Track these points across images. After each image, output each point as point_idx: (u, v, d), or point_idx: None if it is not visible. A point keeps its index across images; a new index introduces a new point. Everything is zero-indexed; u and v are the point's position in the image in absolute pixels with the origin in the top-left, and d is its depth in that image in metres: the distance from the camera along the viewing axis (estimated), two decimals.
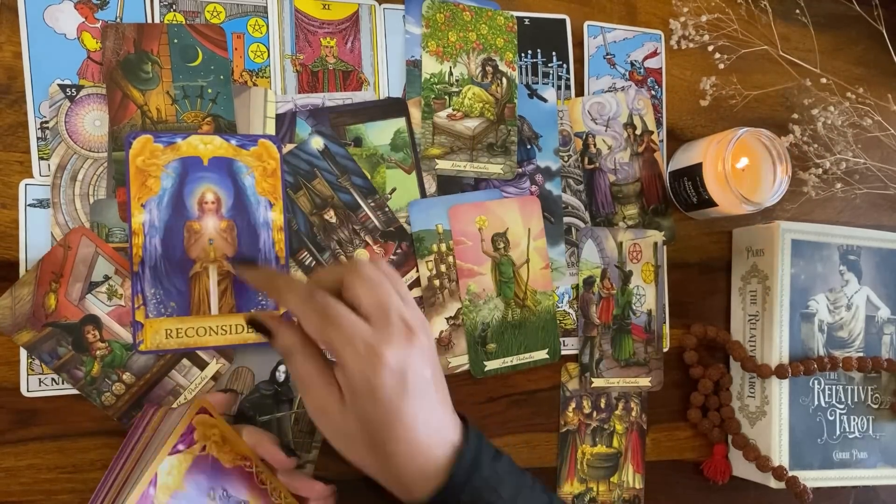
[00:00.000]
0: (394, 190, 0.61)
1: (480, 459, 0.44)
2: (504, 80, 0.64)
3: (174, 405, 0.52)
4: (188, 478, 0.45)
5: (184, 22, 0.56)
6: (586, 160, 0.66)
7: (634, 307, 0.66)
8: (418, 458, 0.43)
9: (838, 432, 0.68)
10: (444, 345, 0.61)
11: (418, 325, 0.44)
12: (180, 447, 0.45)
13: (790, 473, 0.65)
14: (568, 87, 0.66)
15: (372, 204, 0.60)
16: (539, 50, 0.66)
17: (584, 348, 0.65)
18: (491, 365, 0.62)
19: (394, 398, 0.42)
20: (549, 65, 0.66)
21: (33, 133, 0.53)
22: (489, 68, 0.63)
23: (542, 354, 0.64)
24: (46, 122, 0.53)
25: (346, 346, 0.41)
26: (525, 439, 0.64)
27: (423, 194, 0.61)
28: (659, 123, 0.69)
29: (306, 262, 0.58)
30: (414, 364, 0.43)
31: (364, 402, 0.42)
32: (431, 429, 0.44)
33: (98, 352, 0.53)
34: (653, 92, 0.69)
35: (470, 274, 0.62)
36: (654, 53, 0.69)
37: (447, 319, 0.61)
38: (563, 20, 0.66)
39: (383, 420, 0.42)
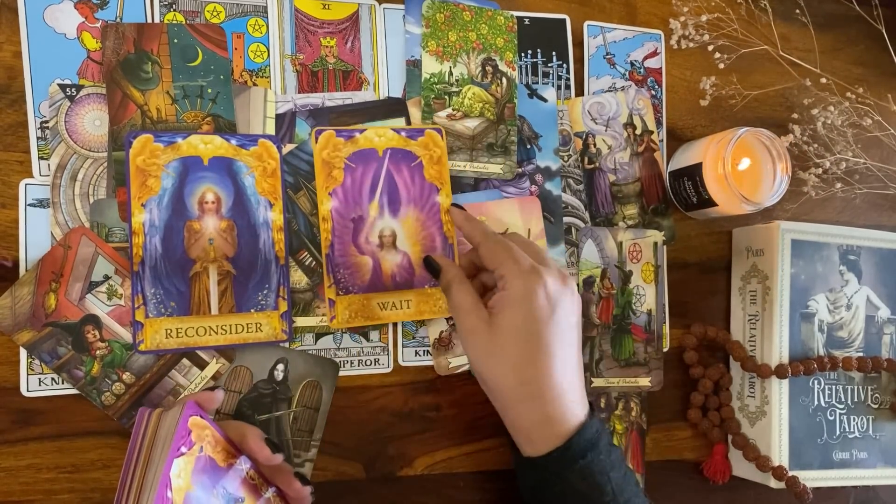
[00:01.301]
0: None
1: (600, 440, 0.48)
2: (504, 79, 0.64)
3: (166, 407, 0.52)
4: (194, 478, 0.46)
5: (184, 22, 0.56)
6: (586, 160, 0.66)
7: (634, 307, 0.66)
8: (549, 401, 0.47)
9: (838, 432, 0.68)
10: (444, 345, 0.61)
11: (570, 279, 0.51)
12: (183, 449, 0.45)
13: (790, 473, 0.65)
14: (568, 87, 0.66)
15: None
16: (539, 50, 0.66)
17: (583, 348, 0.65)
18: None
19: (542, 318, 0.47)
20: (549, 65, 0.66)
21: (33, 133, 0.53)
22: (489, 68, 0.63)
23: None
24: (46, 121, 0.53)
25: (514, 265, 0.49)
26: None
27: None
28: (659, 123, 0.69)
29: (306, 263, 0.58)
30: (564, 303, 0.49)
31: (515, 313, 0.47)
32: (566, 381, 0.48)
33: (98, 352, 0.53)
34: (653, 92, 0.69)
35: None
36: (654, 53, 0.69)
37: (447, 320, 0.61)
38: (563, 20, 0.66)
39: (529, 334, 0.47)
